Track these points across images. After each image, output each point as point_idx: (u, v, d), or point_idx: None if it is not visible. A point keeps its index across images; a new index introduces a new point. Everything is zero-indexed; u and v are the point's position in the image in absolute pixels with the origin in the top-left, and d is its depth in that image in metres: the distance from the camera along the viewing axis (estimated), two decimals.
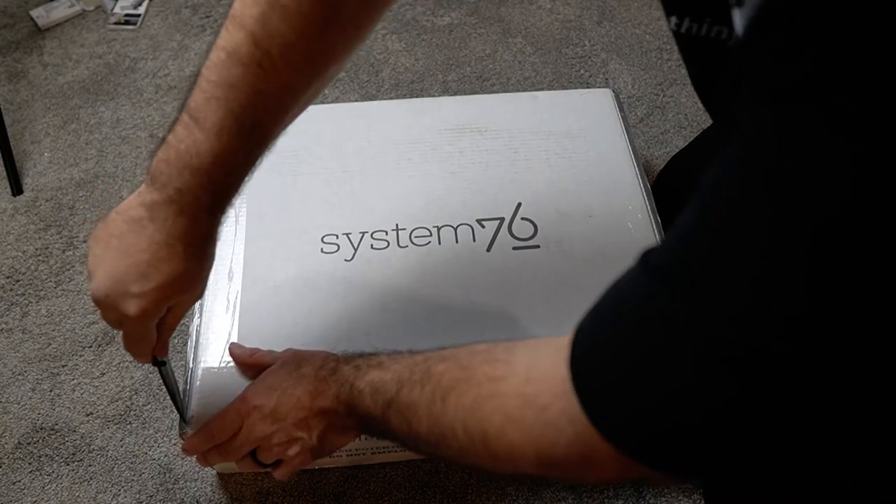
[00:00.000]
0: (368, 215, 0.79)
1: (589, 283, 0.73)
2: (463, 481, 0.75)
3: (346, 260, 0.76)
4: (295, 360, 0.61)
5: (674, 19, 0.49)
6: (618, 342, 0.39)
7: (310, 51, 0.49)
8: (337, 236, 0.77)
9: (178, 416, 0.68)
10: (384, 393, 0.52)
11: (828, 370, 0.33)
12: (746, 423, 0.35)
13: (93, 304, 0.54)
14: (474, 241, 0.77)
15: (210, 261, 0.55)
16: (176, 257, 0.51)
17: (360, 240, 0.77)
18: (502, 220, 0.78)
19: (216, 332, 0.72)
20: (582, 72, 1.12)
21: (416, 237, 0.77)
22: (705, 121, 1.05)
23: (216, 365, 0.69)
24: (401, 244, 0.77)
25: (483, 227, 0.78)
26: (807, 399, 0.34)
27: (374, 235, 0.77)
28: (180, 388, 0.67)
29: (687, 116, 1.07)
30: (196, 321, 0.73)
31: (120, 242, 0.51)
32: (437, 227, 0.78)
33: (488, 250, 0.76)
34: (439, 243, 0.77)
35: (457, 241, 0.77)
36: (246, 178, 0.54)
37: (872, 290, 0.31)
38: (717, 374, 0.34)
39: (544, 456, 0.42)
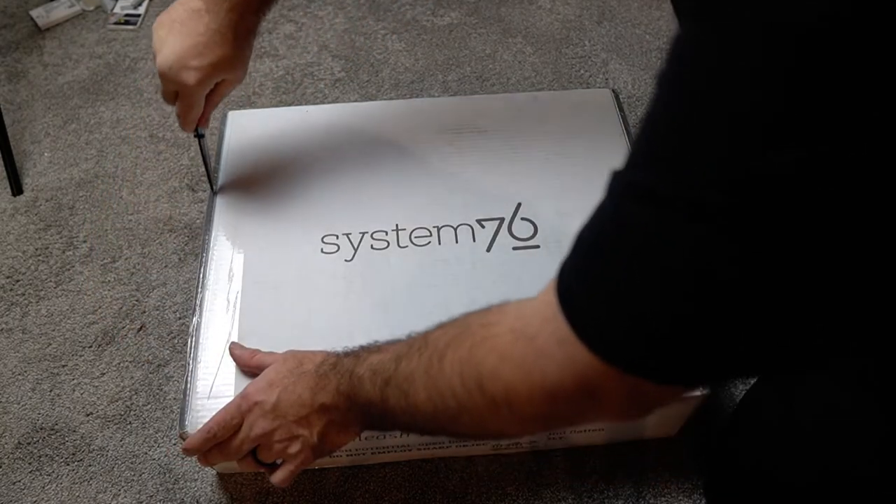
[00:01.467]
0: (368, 215, 0.79)
1: None
2: (463, 481, 0.75)
3: (346, 260, 0.76)
4: (296, 359, 0.62)
5: None
6: (598, 248, 0.38)
7: None
8: (337, 236, 0.77)
9: (177, 417, 0.67)
10: (383, 372, 0.52)
11: (824, 206, 0.31)
12: (747, 286, 0.33)
13: (162, 104, 0.69)
14: (474, 241, 0.77)
15: (250, 51, 0.70)
16: (226, 43, 0.66)
17: (360, 240, 0.77)
18: (502, 220, 0.78)
19: (216, 332, 0.72)
20: (582, 72, 1.12)
21: (416, 237, 0.77)
22: None
23: (216, 365, 0.69)
24: (401, 244, 0.77)
25: (483, 227, 0.78)
26: (806, 246, 0.32)
27: (374, 235, 0.77)
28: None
29: None
30: (196, 321, 0.73)
31: (182, 27, 0.66)
32: (437, 227, 0.78)
33: (488, 250, 0.76)
34: (439, 243, 0.77)
35: (457, 242, 0.77)
36: None
37: (860, 113, 0.29)
38: (710, 237, 0.32)
39: (537, 387, 0.41)
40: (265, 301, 0.73)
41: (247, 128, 0.88)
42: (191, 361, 0.70)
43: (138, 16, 1.22)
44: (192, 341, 0.71)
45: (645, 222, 0.34)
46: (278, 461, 0.62)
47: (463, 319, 0.48)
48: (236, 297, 0.74)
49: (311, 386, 0.58)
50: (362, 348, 0.58)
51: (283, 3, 1.24)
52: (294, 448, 0.60)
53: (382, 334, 0.70)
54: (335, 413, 0.58)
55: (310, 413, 0.58)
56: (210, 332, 0.72)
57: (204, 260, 0.77)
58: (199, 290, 0.75)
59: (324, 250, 0.77)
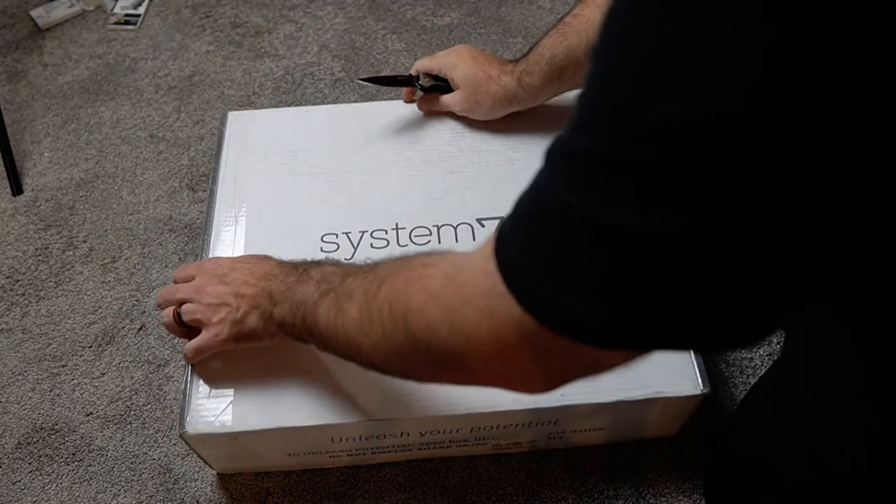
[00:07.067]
0: (368, 214, 0.79)
1: None
2: (463, 481, 0.75)
3: (345, 259, 0.76)
4: (264, 255, 0.67)
5: None
6: (534, 209, 0.38)
7: None
8: (336, 235, 0.77)
9: (177, 417, 0.67)
10: (330, 282, 0.54)
11: (744, 153, 0.29)
12: (670, 242, 0.32)
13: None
14: (474, 240, 0.77)
15: None
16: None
17: (360, 239, 0.77)
18: (502, 219, 0.78)
19: None
20: None
21: (415, 236, 0.77)
22: None
23: (215, 365, 0.69)
24: (400, 243, 0.77)
25: (483, 226, 0.78)
26: (732, 198, 0.30)
27: (374, 234, 0.77)
28: (181, 389, 0.68)
29: None
30: None
31: (254, 270, 0.65)
32: (437, 226, 0.78)
33: None
34: (439, 242, 0.77)
35: (457, 241, 0.77)
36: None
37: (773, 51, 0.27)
38: (632, 192, 0.31)
39: (456, 331, 0.41)
40: None
41: (246, 128, 0.88)
42: None
43: (138, 16, 1.22)
44: None
45: (574, 182, 0.34)
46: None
47: (411, 256, 0.49)
48: None
49: (266, 270, 0.63)
50: (328, 259, 0.62)
51: (283, 3, 1.25)
52: (217, 316, 0.63)
53: None
54: (267, 302, 0.61)
55: (250, 292, 0.62)
56: None
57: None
58: None
59: (323, 249, 0.77)
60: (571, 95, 0.82)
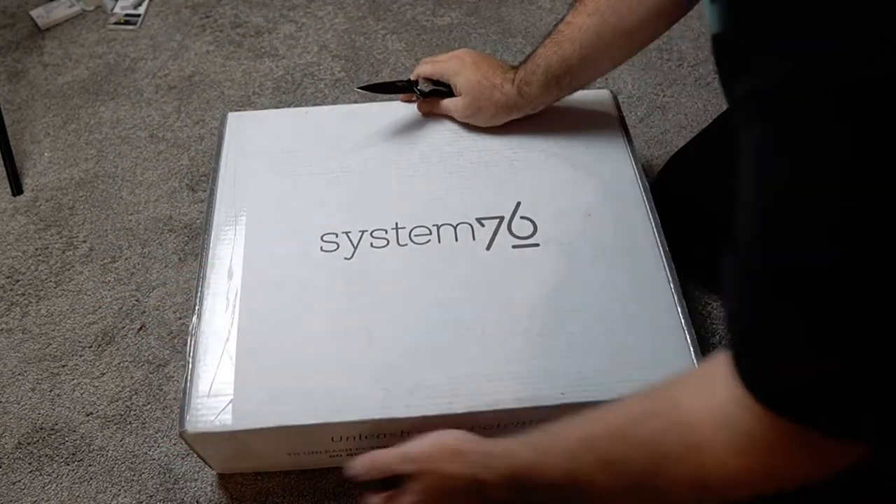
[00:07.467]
0: (368, 214, 0.79)
1: (588, 281, 0.73)
2: None
3: (345, 258, 0.76)
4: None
5: None
6: (764, 337, 0.41)
7: None
8: (336, 235, 0.77)
9: (177, 417, 0.67)
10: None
11: None
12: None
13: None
14: (474, 239, 0.77)
15: None
16: None
17: (360, 238, 0.77)
18: (502, 218, 0.78)
19: (216, 332, 0.72)
20: None
21: (415, 235, 0.77)
22: (705, 120, 1.05)
23: (215, 365, 0.69)
24: (400, 242, 0.77)
25: (483, 225, 0.78)
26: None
27: (374, 234, 0.77)
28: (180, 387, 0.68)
29: (687, 116, 1.07)
30: (195, 320, 0.73)
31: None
32: (437, 225, 0.78)
33: (488, 249, 0.76)
34: (439, 241, 0.77)
35: (456, 240, 0.77)
36: None
37: None
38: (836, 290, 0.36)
39: (782, 483, 0.43)
40: (265, 300, 0.73)
41: (246, 128, 0.88)
42: (191, 361, 0.70)
43: (138, 16, 1.22)
44: (191, 341, 0.71)
45: (784, 301, 0.38)
46: None
47: (644, 434, 0.48)
48: (236, 297, 0.74)
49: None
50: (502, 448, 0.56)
51: (283, 3, 1.25)
52: None
53: (381, 333, 0.70)
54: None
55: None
56: (210, 331, 0.72)
57: (204, 260, 0.77)
58: (199, 289, 0.75)
59: (323, 248, 0.77)
60: (570, 98, 0.83)
